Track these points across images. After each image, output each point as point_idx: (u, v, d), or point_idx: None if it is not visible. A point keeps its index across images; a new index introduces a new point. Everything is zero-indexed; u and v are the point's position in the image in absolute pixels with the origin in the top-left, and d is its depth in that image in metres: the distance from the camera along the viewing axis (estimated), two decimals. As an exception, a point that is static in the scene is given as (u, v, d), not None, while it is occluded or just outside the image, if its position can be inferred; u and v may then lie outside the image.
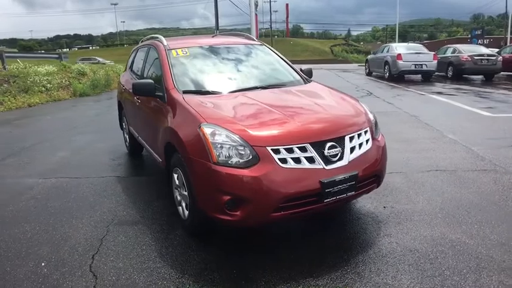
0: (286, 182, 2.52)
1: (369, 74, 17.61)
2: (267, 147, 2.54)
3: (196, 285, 2.51)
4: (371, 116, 3.18)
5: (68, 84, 13.25)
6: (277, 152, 2.55)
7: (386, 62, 15.18)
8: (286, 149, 2.57)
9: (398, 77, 14.94)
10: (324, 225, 3.28)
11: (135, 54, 5.09)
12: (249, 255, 2.86)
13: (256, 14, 29.19)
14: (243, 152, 2.57)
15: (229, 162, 2.56)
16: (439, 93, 11.19)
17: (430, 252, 2.79)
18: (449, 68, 15.02)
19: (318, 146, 2.63)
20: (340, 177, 2.62)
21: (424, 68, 14.24)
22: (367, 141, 2.92)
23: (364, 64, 19.22)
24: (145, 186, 4.40)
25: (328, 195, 2.60)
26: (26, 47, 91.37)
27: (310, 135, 2.67)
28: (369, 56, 18.47)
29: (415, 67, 14.19)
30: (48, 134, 7.28)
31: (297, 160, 2.57)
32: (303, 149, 2.60)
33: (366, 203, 3.68)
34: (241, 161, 2.56)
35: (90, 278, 2.64)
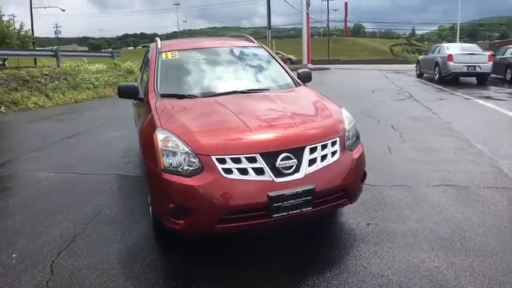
0: (230, 193, 2.40)
1: (420, 75, 16.49)
2: (212, 157, 2.45)
3: (137, 292, 2.49)
4: (347, 126, 2.92)
5: (114, 82, 14.02)
6: (222, 161, 2.44)
7: (436, 63, 14.09)
8: (232, 159, 2.44)
9: (451, 79, 13.82)
10: (291, 239, 3.10)
11: (144, 56, 5.21)
12: (204, 265, 2.78)
13: (308, 13, 28.91)
14: (190, 160, 2.49)
15: (176, 170, 2.51)
16: (487, 98, 10.16)
17: (396, 281, 2.51)
18: (508, 71, 13.53)
19: (270, 157, 2.47)
20: (292, 191, 2.44)
21: (478, 70, 12.99)
22: (333, 153, 2.69)
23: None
24: (143, 186, 4.48)
25: (278, 210, 2.44)
26: (95, 45, 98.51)
27: (262, 145, 2.51)
28: (420, 57, 17.29)
29: (468, 69, 13.01)
30: (81, 130, 7.73)
31: (243, 171, 2.44)
32: (252, 160, 2.46)
33: (349, 217, 3.42)
34: (190, 169, 2.49)
35: (46, 274, 2.74)
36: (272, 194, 2.40)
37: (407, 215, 3.44)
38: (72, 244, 3.15)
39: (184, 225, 2.49)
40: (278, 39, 70.74)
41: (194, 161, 2.47)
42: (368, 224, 3.29)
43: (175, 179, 2.47)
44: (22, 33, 31.43)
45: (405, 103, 9.62)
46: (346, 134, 2.86)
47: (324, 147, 2.65)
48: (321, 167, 2.59)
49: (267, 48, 4.27)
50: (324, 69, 26.15)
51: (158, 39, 4.31)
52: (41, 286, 2.60)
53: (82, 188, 4.43)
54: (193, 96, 3.34)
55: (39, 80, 11.40)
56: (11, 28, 30.17)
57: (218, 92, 3.40)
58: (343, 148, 2.76)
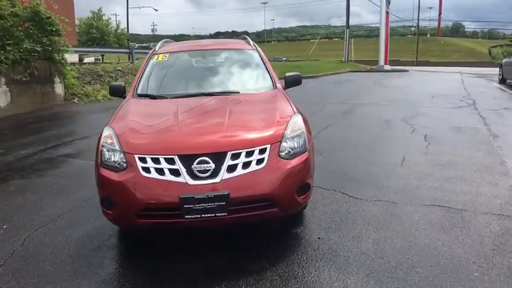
0: (145, 191, 2.55)
1: (502, 81, 14.49)
2: (135, 155, 2.62)
3: (68, 272, 2.78)
4: (289, 135, 2.83)
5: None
6: (143, 160, 2.59)
7: (519, 68, 12.35)
8: (152, 159, 2.58)
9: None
10: (232, 242, 3.14)
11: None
12: (139, 261, 2.96)
13: (387, 12, 27.40)
14: (121, 157, 2.69)
15: (113, 165, 2.73)
16: None
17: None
18: None
19: (187, 160, 2.55)
20: (203, 195, 2.49)
21: None
22: (259, 160, 2.64)
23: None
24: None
25: (190, 211, 2.51)
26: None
27: (181, 147, 2.61)
28: (504, 60, 15.16)
29: (558, 75, 11.16)
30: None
31: (160, 171, 2.56)
32: (171, 161, 2.56)
33: (307, 228, 3.34)
34: (124, 165, 2.68)
35: (18, 245, 3.19)
36: (183, 195, 2.48)
37: (370, 234, 3.21)
38: (52, 223, 3.59)
39: (112, 216, 2.72)
40: (368, 38, 67.90)
41: (121, 158, 2.67)
42: (319, 238, 3.16)
43: (105, 173, 2.70)
44: (119, 31, 35.17)
45: (460, 111, 8.68)
46: (284, 142, 2.78)
47: (249, 154, 2.63)
48: (242, 173, 2.58)
49: (260, 51, 4.27)
50: (401, 71, 24.51)
51: (162, 41, 4.60)
52: (8, 253, 3.05)
53: (92, 176, 4.92)
54: (162, 96, 3.55)
55: (111, 74, 12.73)
56: (109, 27, 33.96)
57: (187, 93, 3.56)
58: (275, 156, 2.70)
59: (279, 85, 3.81)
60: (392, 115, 8.32)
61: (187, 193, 2.49)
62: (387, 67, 25.45)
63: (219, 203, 2.51)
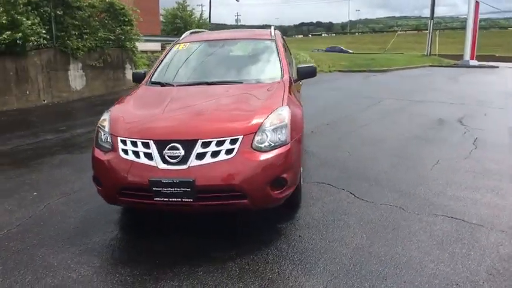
0: (122, 171, 2.74)
1: None
2: (118, 138, 2.82)
3: (64, 239, 3.11)
4: (267, 127, 2.77)
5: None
6: (124, 143, 2.79)
7: None
8: (131, 142, 2.77)
9: None
10: (211, 229, 3.24)
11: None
12: (126, 236, 3.21)
13: (477, 2, 24.60)
14: (109, 139, 2.92)
15: (101, 145, 2.98)
16: None
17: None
18: None
19: (161, 145, 2.68)
20: (169, 179, 2.59)
21: None
22: (229, 150, 2.65)
23: None
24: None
25: (158, 194, 2.64)
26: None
27: (156, 132, 2.76)
28: None
29: None
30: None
31: (137, 154, 2.73)
32: (146, 145, 2.72)
33: (292, 225, 3.27)
34: (110, 146, 2.91)
35: (39, 210, 3.65)
36: (152, 178, 2.62)
37: (355, 239, 3.03)
38: (73, 194, 4.02)
39: (101, 192, 2.99)
40: (462, 30, 61.59)
41: (109, 140, 2.91)
42: (300, 236, 3.09)
43: (97, 153, 2.96)
44: (201, 21, 36.75)
45: (499, 112, 7.59)
46: (261, 134, 2.75)
47: (220, 143, 2.66)
48: (210, 162, 2.63)
49: (278, 42, 4.20)
50: (489, 67, 21.97)
51: (189, 31, 4.80)
52: (27, 216, 3.52)
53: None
54: (170, 84, 3.72)
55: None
56: (192, 17, 35.68)
57: (192, 82, 3.70)
58: (246, 147, 2.68)
59: (286, 76, 3.72)
60: (449, 114, 7.58)
61: (156, 176, 2.63)
62: (473, 62, 23.04)
63: (185, 189, 2.60)
